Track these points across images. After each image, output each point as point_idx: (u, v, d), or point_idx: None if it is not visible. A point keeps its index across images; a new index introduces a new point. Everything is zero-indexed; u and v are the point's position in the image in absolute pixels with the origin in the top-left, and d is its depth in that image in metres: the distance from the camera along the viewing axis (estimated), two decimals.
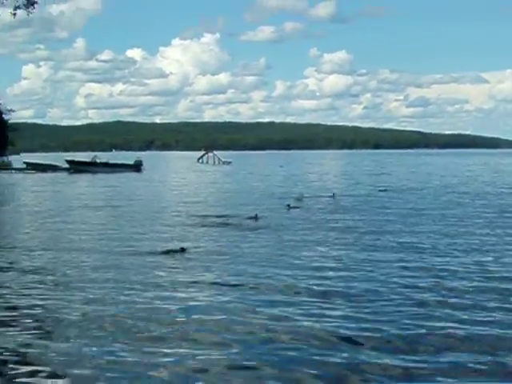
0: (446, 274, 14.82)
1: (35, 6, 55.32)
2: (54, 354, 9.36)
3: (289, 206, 31.12)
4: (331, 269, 15.53)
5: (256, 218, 26.09)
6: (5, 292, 13.43)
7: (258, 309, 11.71)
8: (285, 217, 27.30)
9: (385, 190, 42.56)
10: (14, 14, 55.24)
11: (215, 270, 15.65)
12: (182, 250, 18.32)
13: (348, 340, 9.93)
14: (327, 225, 24.48)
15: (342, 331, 10.33)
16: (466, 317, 11.14)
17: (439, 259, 16.74)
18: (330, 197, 36.66)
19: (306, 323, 10.80)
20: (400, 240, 20.19)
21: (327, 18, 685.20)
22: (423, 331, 10.36)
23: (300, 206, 31.40)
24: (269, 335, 10.22)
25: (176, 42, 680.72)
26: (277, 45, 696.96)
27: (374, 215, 27.55)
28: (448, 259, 16.72)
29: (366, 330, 10.39)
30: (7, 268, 16.29)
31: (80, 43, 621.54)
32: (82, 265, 16.46)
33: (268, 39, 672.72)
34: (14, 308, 12.12)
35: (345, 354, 9.31)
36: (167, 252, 18.19)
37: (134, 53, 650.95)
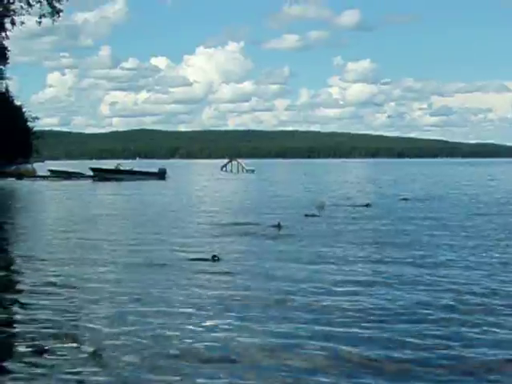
0: (466, 289, 14.51)
1: (60, 14, 55.63)
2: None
3: (307, 214, 31.16)
4: (351, 284, 15.30)
5: (279, 226, 26.05)
6: (19, 306, 13.25)
7: (280, 329, 11.46)
8: (307, 226, 27.18)
9: (406, 199, 42.26)
10: (40, 22, 55.64)
11: (245, 283, 15.45)
12: (214, 258, 18.18)
13: (368, 363, 9.72)
14: (347, 235, 24.30)
15: (362, 354, 10.05)
16: (490, 337, 10.97)
17: (459, 272, 16.47)
18: (364, 206, 36.57)
19: (315, 343, 10.59)
20: (420, 253, 19.92)
21: (352, 27, 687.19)
22: (447, 353, 10.16)
23: (320, 215, 31.24)
24: (286, 357, 9.99)
25: (200, 50, 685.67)
26: (301, 53, 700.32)
27: (394, 226, 27.28)
28: (468, 273, 16.47)
29: (386, 353, 10.13)
30: (25, 279, 16.13)
31: (105, 51, 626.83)
32: (105, 277, 16.13)
33: (292, 47, 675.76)
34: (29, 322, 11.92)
35: (366, 381, 9.13)
36: (199, 260, 18.10)
37: (159, 61, 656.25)
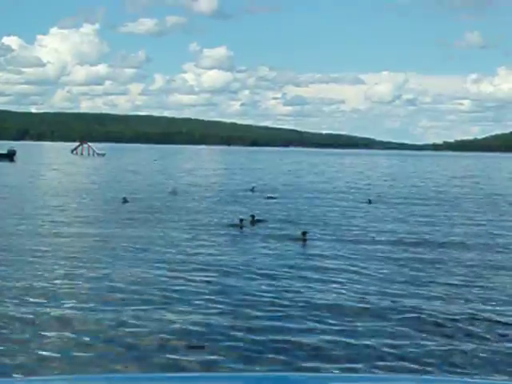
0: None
1: None
2: None
3: (125, 198, 32.07)
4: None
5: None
6: None
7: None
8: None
9: (253, 190, 43.62)
10: None
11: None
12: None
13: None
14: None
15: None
16: None
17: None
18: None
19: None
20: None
21: (209, 14, 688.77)
22: None
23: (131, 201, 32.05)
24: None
25: (54, 30, 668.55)
26: (157, 38, 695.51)
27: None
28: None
29: None
30: None
31: None
32: None
33: (149, 32, 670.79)
34: None
35: None
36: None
37: (11, 40, 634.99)
